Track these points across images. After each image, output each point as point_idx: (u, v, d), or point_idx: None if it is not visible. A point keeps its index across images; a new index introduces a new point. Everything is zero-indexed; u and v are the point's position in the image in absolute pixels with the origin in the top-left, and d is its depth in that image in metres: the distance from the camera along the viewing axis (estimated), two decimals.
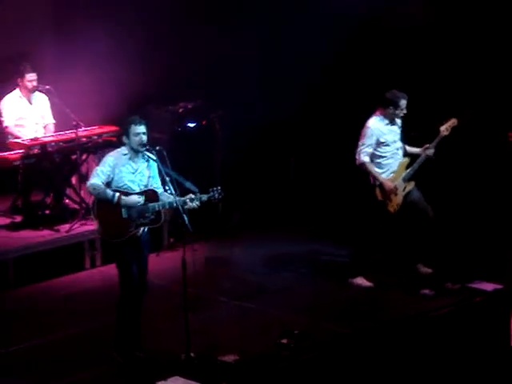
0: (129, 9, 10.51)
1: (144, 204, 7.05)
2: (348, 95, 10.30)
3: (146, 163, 7.17)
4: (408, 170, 8.63)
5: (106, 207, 7.04)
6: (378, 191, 8.49)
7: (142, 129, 7.09)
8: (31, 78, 9.56)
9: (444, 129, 8.58)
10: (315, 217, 10.44)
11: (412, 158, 8.68)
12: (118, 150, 7.18)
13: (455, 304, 8.06)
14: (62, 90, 9.92)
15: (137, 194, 7.07)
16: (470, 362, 7.02)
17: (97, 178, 7.04)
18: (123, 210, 7.02)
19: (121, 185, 7.07)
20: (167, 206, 7.12)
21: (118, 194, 7.00)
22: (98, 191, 7.02)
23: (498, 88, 10.03)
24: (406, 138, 8.72)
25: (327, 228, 10.16)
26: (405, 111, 8.49)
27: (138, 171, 7.14)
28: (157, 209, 7.07)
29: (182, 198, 7.01)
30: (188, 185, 7.15)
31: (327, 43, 10.22)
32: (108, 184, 7.05)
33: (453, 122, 8.61)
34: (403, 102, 8.44)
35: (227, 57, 10.71)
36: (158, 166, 7.11)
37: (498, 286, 8.38)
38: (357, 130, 8.56)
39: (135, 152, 7.12)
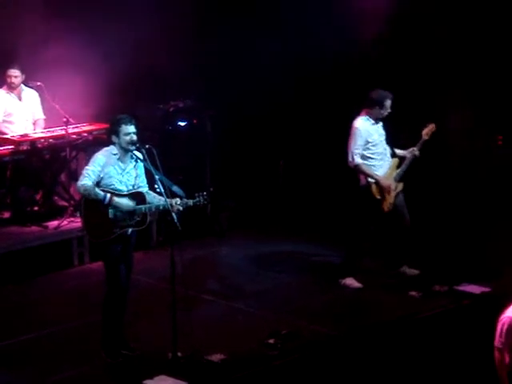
0: (121, 7, 10.48)
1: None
2: (337, 97, 10.31)
3: (134, 163, 7.16)
4: (398, 171, 8.68)
5: (93, 207, 7.03)
6: (374, 189, 8.52)
7: (132, 128, 7.08)
8: (11, 73, 9.54)
9: (425, 133, 8.68)
10: (305, 218, 10.44)
11: (400, 159, 8.74)
12: (107, 148, 7.16)
13: (443, 306, 8.08)
14: (52, 86, 9.91)
15: (127, 195, 7.05)
16: (456, 364, 7.03)
17: (87, 179, 7.01)
18: (110, 210, 7.01)
19: (109, 185, 7.05)
20: (153, 209, 7.12)
21: (109, 195, 6.98)
22: (88, 192, 7.00)
23: (487, 91, 10.04)
24: (396, 143, 8.76)
25: (317, 229, 10.16)
26: (389, 110, 8.53)
27: (126, 171, 7.13)
28: (143, 211, 7.07)
29: (169, 201, 7.00)
30: (174, 188, 7.14)
31: (318, 45, 10.23)
32: (97, 183, 7.03)
33: (432, 126, 8.71)
34: (389, 102, 8.50)
35: (219, 57, 10.69)
36: (146, 165, 7.09)
37: (486, 289, 8.41)
38: (346, 131, 8.58)
39: (124, 151, 7.11)
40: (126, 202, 7.02)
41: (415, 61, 10.26)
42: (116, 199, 6.99)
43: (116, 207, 6.99)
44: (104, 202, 6.97)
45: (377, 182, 8.52)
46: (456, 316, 7.94)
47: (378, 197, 8.53)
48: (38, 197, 9.52)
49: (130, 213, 7.05)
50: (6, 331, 7.66)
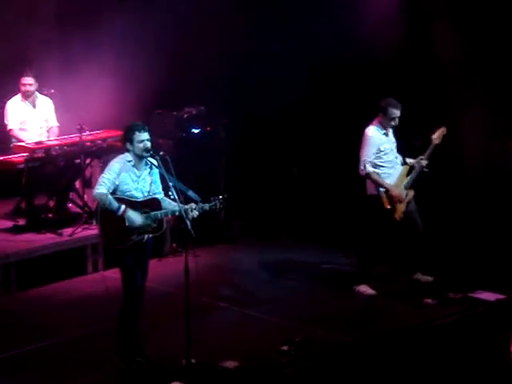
0: (135, 14, 10.53)
1: (147, 212, 7.05)
2: (351, 104, 10.30)
3: (149, 169, 7.18)
4: (407, 179, 8.65)
5: (110, 214, 7.04)
6: (384, 199, 8.51)
7: (145, 135, 7.11)
8: (25, 81, 9.61)
9: (436, 138, 8.61)
10: (318, 225, 10.43)
11: (411, 166, 8.71)
12: (122, 156, 7.18)
13: (457, 314, 8.05)
14: (66, 94, 9.95)
15: (142, 210, 7.04)
16: (470, 371, 7.00)
17: (103, 187, 7.03)
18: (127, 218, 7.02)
19: (124, 191, 7.08)
20: (169, 215, 7.13)
21: (123, 208, 6.99)
22: (104, 201, 7.03)
23: (499, 95, 10.00)
24: (408, 146, 8.74)
25: (330, 236, 10.15)
26: (395, 122, 8.48)
27: (141, 178, 7.15)
28: (159, 217, 7.08)
29: (184, 207, 7.01)
30: (190, 193, 7.15)
31: (330, 49, 10.23)
32: (113, 191, 7.06)
33: (442, 130, 8.64)
34: (392, 110, 8.42)
35: (233, 64, 10.72)
36: (161, 172, 7.12)
37: (501, 296, 8.37)
38: (359, 138, 8.57)
39: (139, 158, 7.14)
40: (138, 219, 7.01)
41: (431, 64, 10.23)
42: (129, 213, 7.00)
43: (128, 220, 7.00)
44: (117, 213, 6.99)
45: (387, 191, 8.50)
46: (470, 323, 7.91)
47: (389, 206, 8.51)
48: (52, 204, 9.56)
49: (147, 219, 7.05)
50: (18, 338, 7.68)
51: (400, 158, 8.68)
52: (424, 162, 8.60)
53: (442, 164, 8.91)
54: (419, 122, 9.58)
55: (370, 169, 8.47)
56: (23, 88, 9.64)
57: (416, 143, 8.92)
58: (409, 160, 8.69)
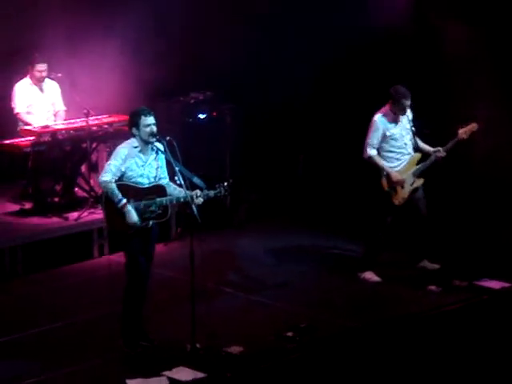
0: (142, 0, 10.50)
1: (152, 199, 7.05)
2: (359, 90, 10.26)
3: (155, 155, 7.18)
4: (418, 166, 8.62)
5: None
6: (384, 181, 8.51)
7: (151, 120, 7.10)
8: (41, 68, 9.60)
9: (463, 132, 8.51)
10: (324, 211, 10.43)
11: (423, 154, 8.66)
12: (129, 141, 7.18)
13: (462, 301, 8.06)
14: (74, 78, 9.94)
15: (146, 196, 7.04)
16: (475, 359, 7.01)
17: (110, 174, 7.04)
18: (131, 204, 7.02)
19: (130, 178, 7.08)
20: (174, 201, 7.14)
21: (124, 202, 6.99)
22: (107, 190, 7.04)
23: (508, 92, 9.94)
24: (419, 134, 8.70)
25: (336, 222, 10.15)
26: (405, 110, 8.44)
27: (148, 163, 7.15)
28: (164, 204, 7.09)
29: (190, 193, 7.01)
30: (195, 180, 7.15)
31: (337, 37, 10.19)
32: (120, 177, 7.06)
33: (473, 126, 8.52)
34: (402, 101, 8.39)
35: (239, 50, 10.69)
36: (167, 157, 7.11)
37: (506, 285, 8.37)
38: (365, 125, 8.56)
39: (145, 144, 7.13)
40: (134, 217, 6.99)
41: (439, 59, 10.18)
42: (128, 209, 6.98)
43: (126, 214, 6.99)
44: (117, 205, 7.00)
45: (387, 175, 8.49)
46: (475, 311, 7.91)
47: (387, 189, 8.50)
48: (58, 188, 9.57)
49: (151, 206, 7.06)
50: (23, 322, 7.70)
51: (412, 145, 8.59)
52: (441, 154, 8.54)
53: (450, 154, 8.85)
54: (429, 113, 9.52)
55: (371, 152, 8.47)
56: (38, 74, 9.63)
57: (426, 131, 8.87)
58: (426, 146, 8.63)
